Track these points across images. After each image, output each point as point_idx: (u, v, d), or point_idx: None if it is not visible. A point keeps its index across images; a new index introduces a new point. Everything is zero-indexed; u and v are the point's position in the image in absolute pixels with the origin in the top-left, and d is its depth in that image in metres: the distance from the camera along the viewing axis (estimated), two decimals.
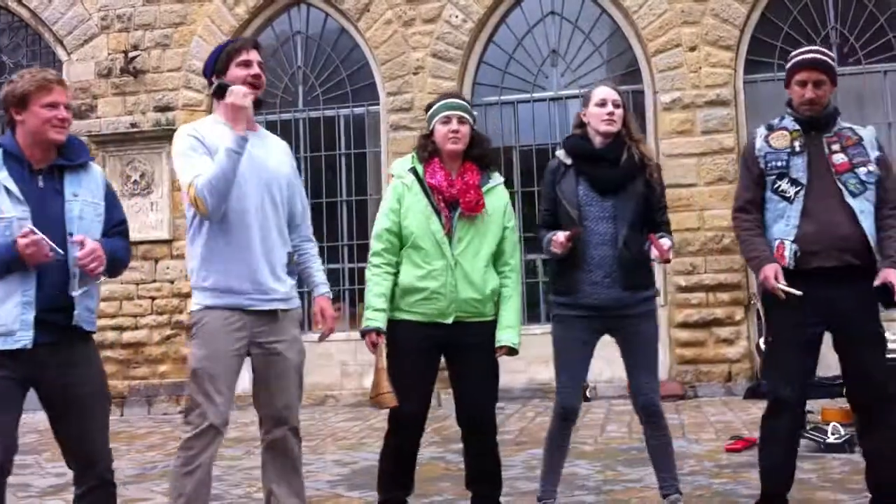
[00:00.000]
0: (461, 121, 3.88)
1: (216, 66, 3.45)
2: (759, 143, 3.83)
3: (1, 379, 2.98)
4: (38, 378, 3.07)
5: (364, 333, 3.81)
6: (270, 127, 10.29)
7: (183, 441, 3.31)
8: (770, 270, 3.62)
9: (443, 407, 7.59)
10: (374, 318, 3.79)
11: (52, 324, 3.03)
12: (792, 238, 3.67)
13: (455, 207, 3.83)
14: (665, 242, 3.78)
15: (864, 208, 3.65)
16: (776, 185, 3.73)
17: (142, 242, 10.38)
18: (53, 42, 11.07)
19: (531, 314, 9.03)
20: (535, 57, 10.29)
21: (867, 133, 3.82)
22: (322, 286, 3.68)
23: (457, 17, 10.14)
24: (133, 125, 10.64)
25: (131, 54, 10.67)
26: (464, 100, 4.05)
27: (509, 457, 5.79)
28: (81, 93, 10.81)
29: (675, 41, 9.69)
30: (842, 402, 5.32)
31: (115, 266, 3.22)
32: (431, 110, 3.97)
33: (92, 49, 10.89)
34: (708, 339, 9.35)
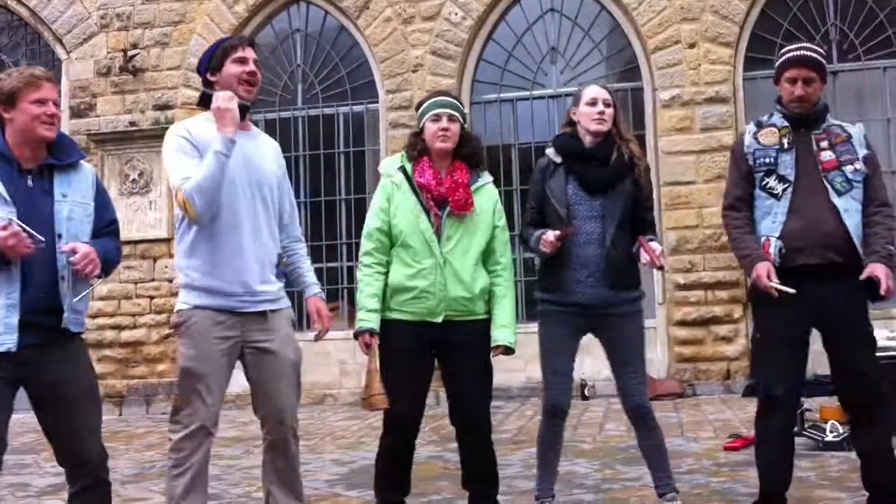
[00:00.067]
0: (451, 119, 3.87)
1: (211, 63, 3.43)
2: (748, 139, 3.84)
3: None
4: (26, 377, 3.05)
5: (357, 335, 3.80)
6: (270, 125, 10.39)
7: (174, 443, 3.28)
8: (762, 269, 3.62)
9: (441, 406, 7.58)
10: (368, 318, 3.79)
11: (38, 325, 3.00)
12: (777, 235, 3.67)
13: (444, 206, 3.82)
14: (655, 247, 3.78)
15: (848, 206, 3.65)
16: (764, 182, 3.74)
17: (140, 241, 10.39)
18: (53, 41, 11.06)
19: (529, 312, 9.01)
20: (535, 54, 10.28)
21: (856, 130, 3.81)
22: (314, 286, 3.66)
23: (456, 14, 10.13)
24: (132, 124, 10.64)
25: (130, 53, 10.67)
26: (455, 98, 4.03)
27: (507, 456, 5.79)
28: (80, 91, 10.82)
29: (674, 38, 9.67)
30: None
31: (108, 267, 3.21)
32: (421, 108, 3.96)
33: (91, 48, 10.88)
34: (706, 337, 9.35)
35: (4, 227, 2.87)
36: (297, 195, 10.03)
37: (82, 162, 3.28)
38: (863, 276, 3.58)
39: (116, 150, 10.66)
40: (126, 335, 10.43)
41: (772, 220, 3.70)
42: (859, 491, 3.81)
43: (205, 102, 3.39)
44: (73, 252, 3.00)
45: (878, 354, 3.84)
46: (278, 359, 3.40)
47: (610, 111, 3.93)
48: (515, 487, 4.85)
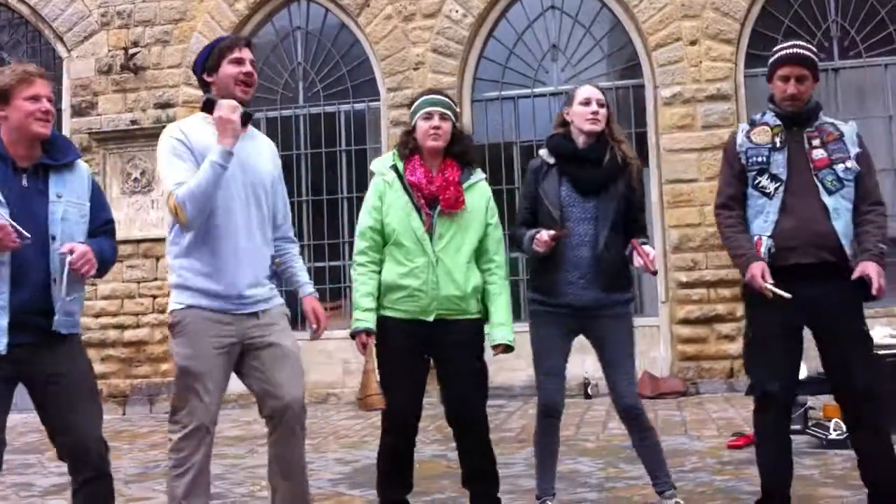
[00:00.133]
0: (443, 117, 3.87)
1: (207, 63, 3.39)
2: (740, 138, 3.82)
3: None
4: (22, 374, 3.05)
5: (354, 335, 3.80)
6: (271, 123, 10.40)
7: (173, 443, 3.26)
8: (757, 269, 3.61)
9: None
10: (364, 318, 3.79)
11: (31, 325, 3.00)
12: (769, 234, 3.66)
13: (435, 205, 3.82)
14: (649, 251, 3.78)
15: (838, 206, 3.64)
16: (756, 181, 3.73)
17: (143, 240, 10.39)
18: (53, 39, 11.05)
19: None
20: (536, 52, 10.27)
21: (848, 129, 3.80)
22: (307, 286, 3.63)
23: (457, 11, 10.12)
24: (133, 122, 10.64)
25: (131, 51, 10.65)
26: (446, 96, 4.02)
27: (511, 454, 5.80)
28: (82, 90, 10.81)
29: (675, 35, 9.66)
30: None
31: (104, 266, 3.21)
32: (413, 106, 3.96)
33: (92, 46, 10.87)
34: (709, 335, 9.34)
35: None
36: (298, 193, 10.21)
37: (78, 161, 3.27)
38: (854, 276, 3.58)
39: (118, 149, 10.65)
40: (129, 334, 10.42)
41: (764, 220, 3.70)
42: (862, 489, 3.81)
43: (209, 109, 3.34)
44: (71, 252, 2.99)
45: (881, 353, 3.83)
46: (279, 348, 3.36)
47: (603, 111, 3.94)
48: (519, 486, 4.85)
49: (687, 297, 9.40)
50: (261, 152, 3.50)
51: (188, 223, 3.21)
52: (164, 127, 3.53)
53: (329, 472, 5.70)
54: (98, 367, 9.86)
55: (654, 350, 9.46)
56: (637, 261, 3.81)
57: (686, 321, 9.39)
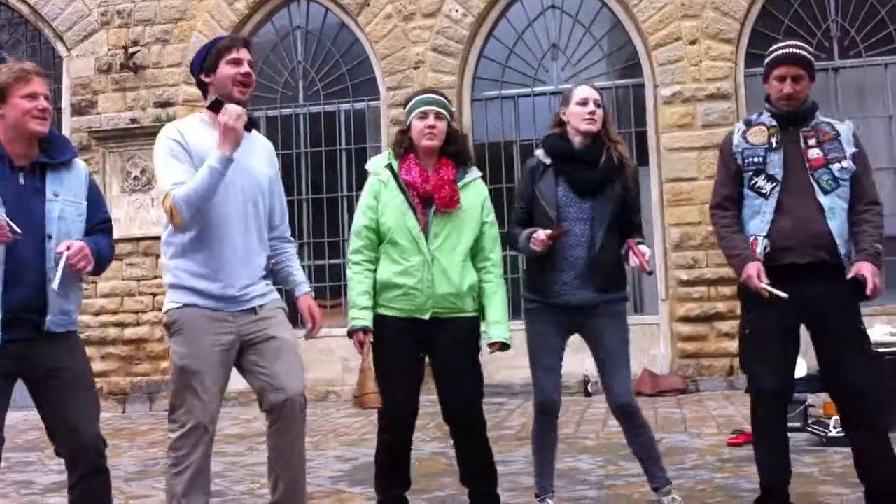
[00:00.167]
0: (438, 116, 3.88)
1: (205, 63, 3.38)
2: (736, 138, 3.83)
3: None
4: (20, 369, 3.06)
5: (351, 333, 3.80)
6: (271, 122, 10.41)
7: (171, 442, 3.26)
8: (753, 269, 3.61)
9: None
10: (361, 316, 3.79)
11: (26, 322, 3.01)
12: (765, 234, 3.66)
13: (430, 203, 3.83)
14: (645, 250, 3.80)
15: (833, 205, 3.64)
16: (752, 182, 3.73)
17: (143, 238, 10.39)
18: (53, 38, 11.05)
19: None
20: (536, 51, 10.27)
21: (844, 128, 3.80)
22: (303, 285, 3.61)
23: (457, 11, 10.12)
24: (133, 121, 10.64)
25: (131, 50, 10.66)
26: (442, 96, 4.02)
27: (511, 452, 5.80)
28: (81, 89, 10.81)
29: (675, 34, 9.67)
30: None
31: (101, 263, 3.21)
32: (409, 105, 3.97)
33: (92, 45, 10.87)
34: (709, 333, 9.35)
35: None
36: (298, 192, 10.23)
37: (76, 160, 3.26)
38: (849, 276, 3.58)
39: (118, 148, 10.65)
40: (129, 332, 10.43)
41: (760, 220, 3.70)
42: (862, 487, 3.82)
43: (216, 109, 3.31)
44: (68, 248, 3.00)
45: (881, 350, 3.83)
46: (278, 341, 3.35)
47: (600, 112, 3.95)
48: (519, 483, 4.85)
49: (687, 295, 9.41)
50: (257, 153, 3.48)
51: (184, 225, 3.21)
52: (163, 126, 3.52)
53: (329, 470, 5.70)
54: (98, 365, 9.89)
55: (654, 348, 9.47)
56: (633, 260, 3.83)
57: (686, 319, 9.39)
